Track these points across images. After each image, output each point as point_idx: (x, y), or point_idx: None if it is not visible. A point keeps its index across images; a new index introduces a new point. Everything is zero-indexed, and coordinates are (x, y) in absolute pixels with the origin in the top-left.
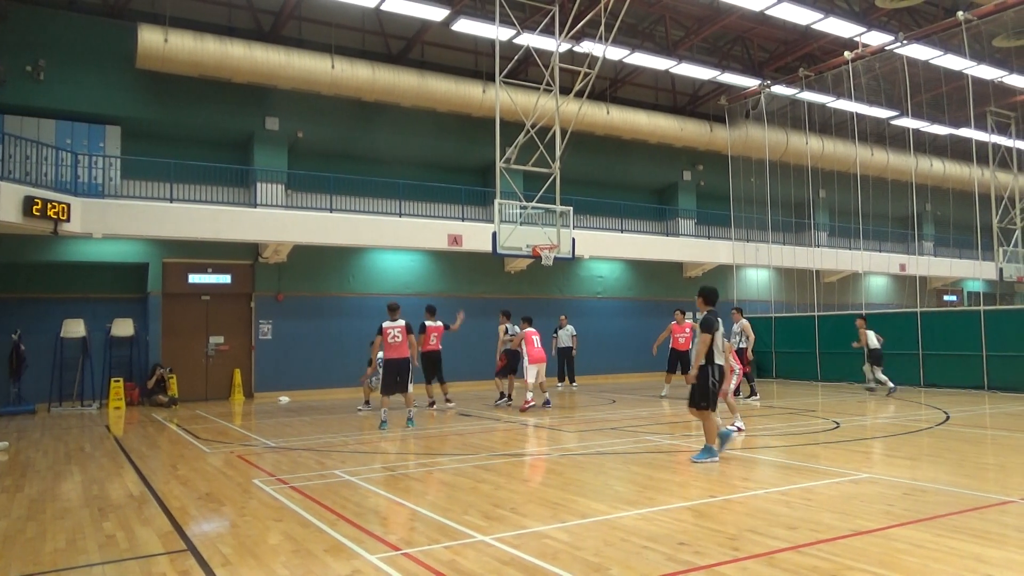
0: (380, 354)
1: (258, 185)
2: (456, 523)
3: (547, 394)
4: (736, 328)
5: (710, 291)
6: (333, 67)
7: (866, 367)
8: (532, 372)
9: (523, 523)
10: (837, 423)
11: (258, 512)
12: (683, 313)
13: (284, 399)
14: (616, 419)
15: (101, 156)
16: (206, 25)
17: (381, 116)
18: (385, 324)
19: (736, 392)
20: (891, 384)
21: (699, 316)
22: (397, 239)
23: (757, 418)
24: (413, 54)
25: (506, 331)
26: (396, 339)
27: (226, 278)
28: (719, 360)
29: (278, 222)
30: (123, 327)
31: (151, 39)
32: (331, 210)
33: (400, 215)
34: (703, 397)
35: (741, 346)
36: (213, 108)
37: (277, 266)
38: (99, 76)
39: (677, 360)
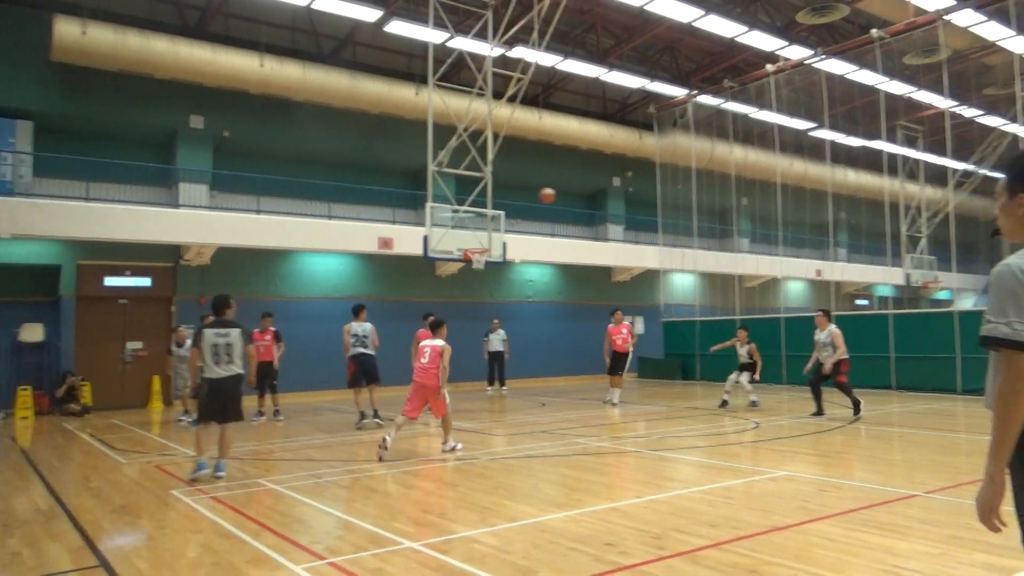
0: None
1: (181, 185)
2: (384, 530)
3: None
4: (823, 337)
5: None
6: (262, 65)
7: (737, 375)
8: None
9: (451, 528)
10: (757, 423)
11: (176, 524)
12: (621, 314)
13: None
14: (545, 422)
15: (11, 152)
16: (127, 18)
17: (311, 116)
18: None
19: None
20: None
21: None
22: (326, 242)
23: (682, 419)
24: (345, 54)
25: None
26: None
27: (146, 281)
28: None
29: (202, 223)
30: (32, 332)
31: (68, 31)
32: (258, 211)
33: (329, 217)
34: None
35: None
36: (134, 104)
37: (200, 268)
38: (10, 68)
39: (620, 361)
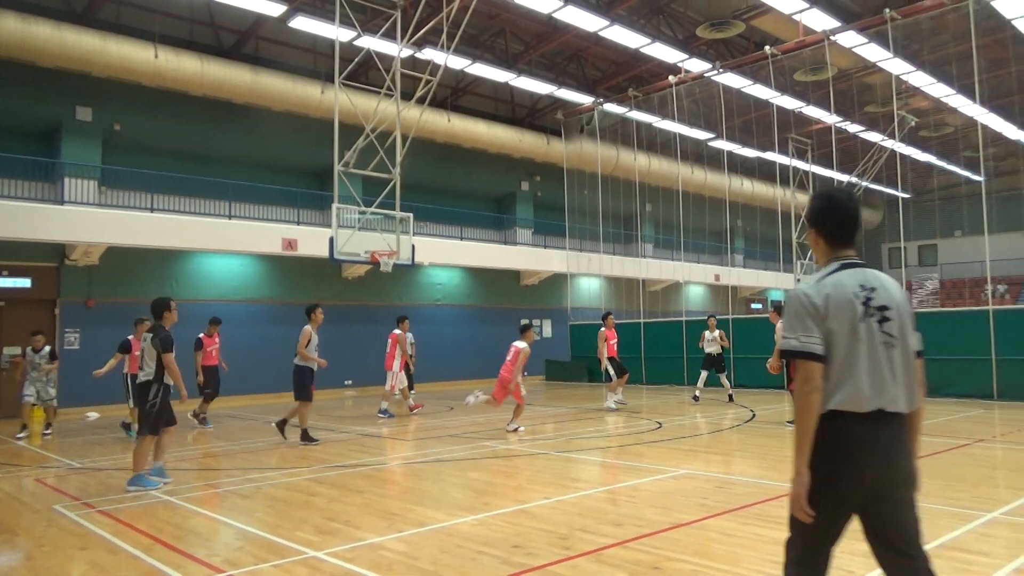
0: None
1: (66, 180)
2: (286, 540)
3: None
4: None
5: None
6: (156, 56)
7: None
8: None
9: (357, 535)
10: (660, 423)
11: (59, 541)
12: (613, 317)
13: (92, 415)
14: (454, 426)
15: None
16: (6, 1)
17: (211, 112)
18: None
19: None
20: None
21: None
22: (226, 242)
23: (590, 421)
24: (247, 48)
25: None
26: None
27: (25, 282)
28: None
29: (89, 221)
30: None
31: None
32: (152, 210)
33: (230, 217)
34: None
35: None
36: (12, 93)
37: (87, 269)
38: None
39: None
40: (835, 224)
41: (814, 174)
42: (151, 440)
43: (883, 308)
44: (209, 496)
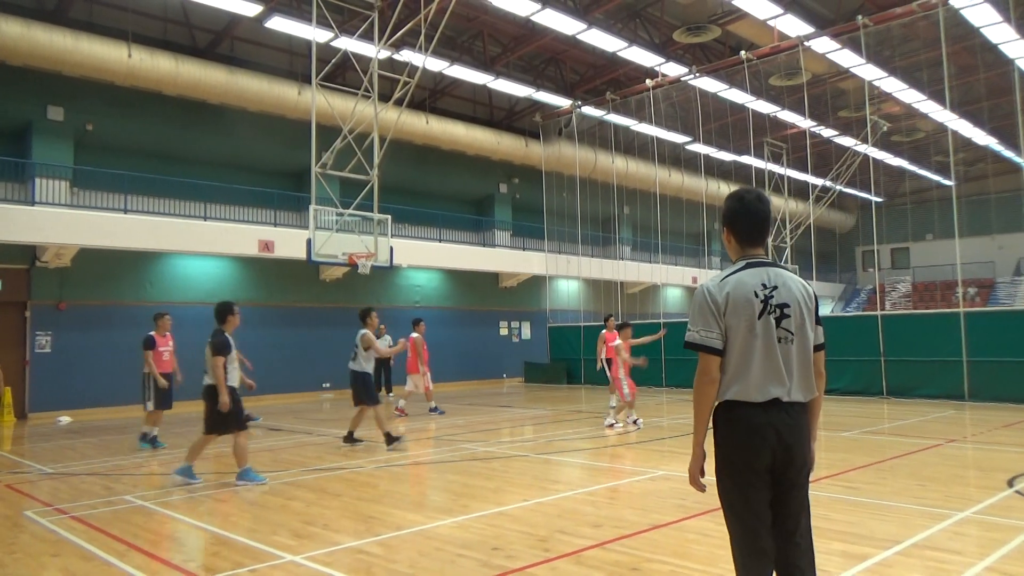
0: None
1: (36, 181)
2: (263, 544)
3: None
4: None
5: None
6: (130, 56)
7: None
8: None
9: (336, 539)
10: (638, 425)
11: (30, 548)
12: (614, 320)
13: (64, 419)
14: (433, 428)
15: None
16: None
17: (186, 112)
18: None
19: None
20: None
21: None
22: (201, 244)
23: (568, 423)
24: (222, 48)
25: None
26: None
27: None
28: None
29: (60, 222)
30: None
31: None
32: (125, 211)
33: (205, 218)
34: None
35: None
36: None
37: (59, 271)
38: None
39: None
40: (745, 224)
41: (789, 177)
42: (245, 435)
43: (783, 306)
44: (184, 501)
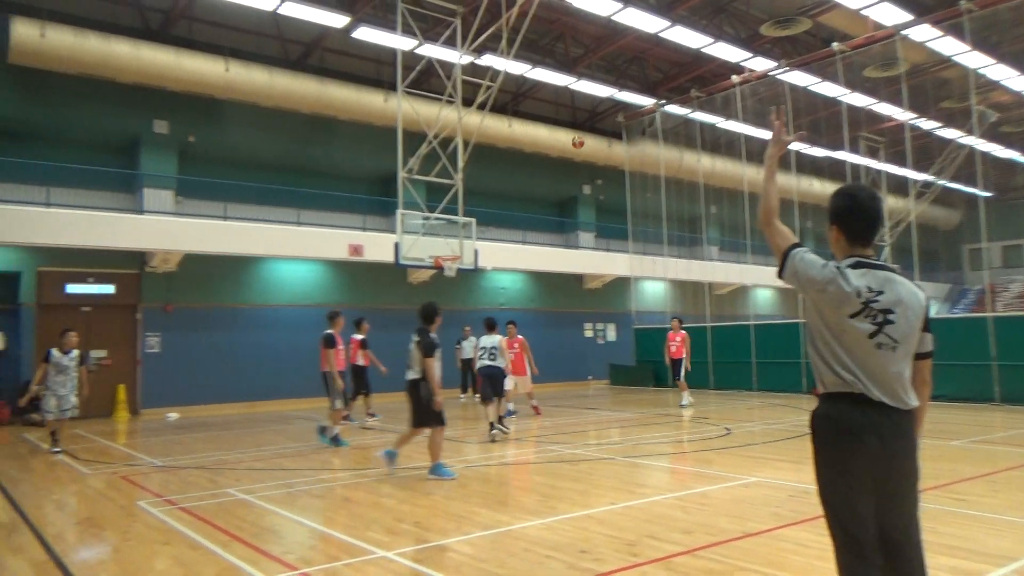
0: None
1: (145, 191)
2: (357, 539)
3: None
4: None
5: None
6: (227, 70)
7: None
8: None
9: (426, 537)
10: (728, 429)
11: (144, 536)
12: (679, 321)
13: (173, 415)
14: (519, 430)
15: None
16: (88, 20)
17: (280, 123)
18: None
19: None
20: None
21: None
22: (295, 249)
23: (656, 426)
24: (312, 60)
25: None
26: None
27: (109, 288)
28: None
29: (167, 230)
30: None
31: (26, 33)
32: (225, 218)
33: (299, 224)
34: None
35: None
36: (95, 109)
37: (166, 276)
38: None
39: (675, 368)
40: (857, 223)
41: (887, 173)
42: (442, 431)
43: (886, 311)
44: (282, 495)
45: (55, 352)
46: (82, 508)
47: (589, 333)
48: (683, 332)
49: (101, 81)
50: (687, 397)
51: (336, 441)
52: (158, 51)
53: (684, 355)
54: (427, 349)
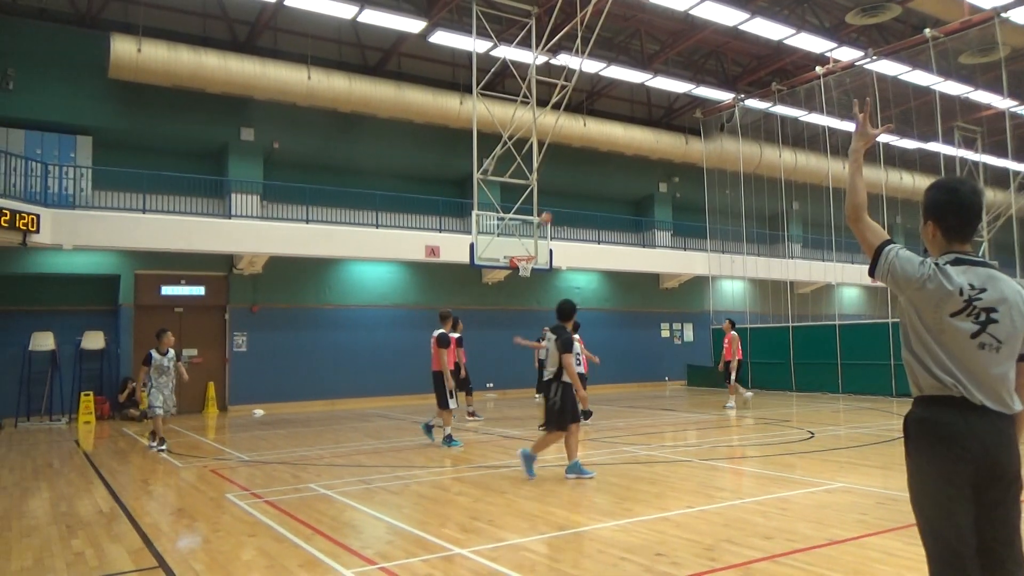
0: None
1: (233, 196)
2: (433, 536)
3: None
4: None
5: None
6: (309, 78)
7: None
8: None
9: (500, 536)
10: (811, 433)
11: (231, 527)
12: (730, 323)
13: (259, 412)
14: (594, 430)
15: (72, 166)
16: (180, 35)
17: (358, 127)
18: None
19: None
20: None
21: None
22: (374, 250)
23: (734, 428)
24: (390, 65)
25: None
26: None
27: (199, 290)
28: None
29: (253, 233)
30: (93, 340)
31: (124, 49)
32: (307, 221)
33: (377, 226)
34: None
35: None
36: (187, 118)
37: (252, 278)
38: (70, 86)
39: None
40: (957, 218)
41: (985, 164)
42: (559, 435)
43: (990, 310)
44: (361, 491)
45: (155, 354)
46: (175, 500)
47: (666, 333)
48: (732, 333)
49: (192, 92)
50: (732, 400)
51: (449, 440)
52: (245, 62)
53: (732, 357)
54: (565, 346)
